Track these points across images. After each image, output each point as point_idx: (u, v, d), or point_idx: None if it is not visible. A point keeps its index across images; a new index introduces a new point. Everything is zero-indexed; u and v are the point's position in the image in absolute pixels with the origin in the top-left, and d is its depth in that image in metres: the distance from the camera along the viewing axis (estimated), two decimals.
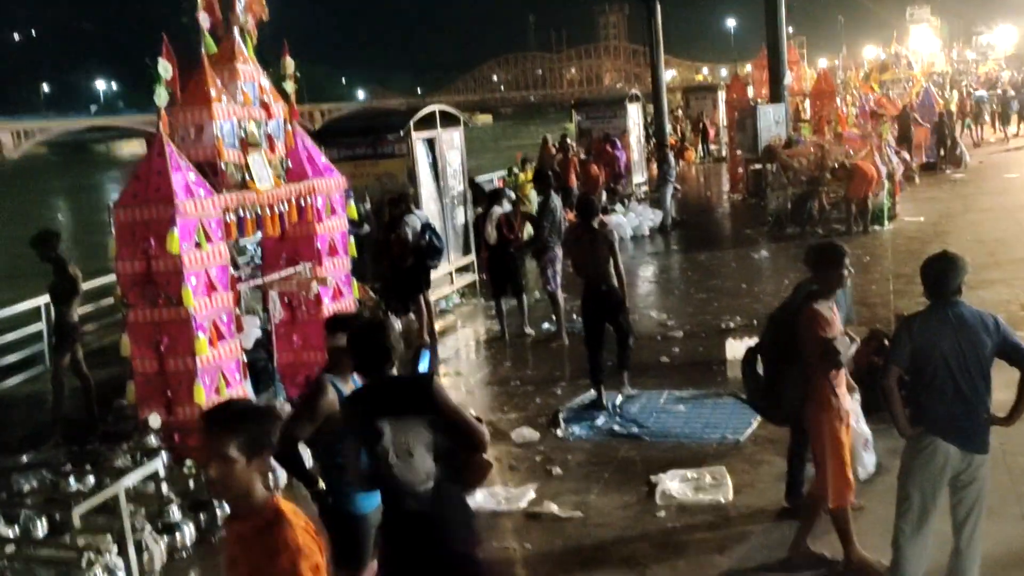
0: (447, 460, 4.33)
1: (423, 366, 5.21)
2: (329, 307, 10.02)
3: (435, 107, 14.49)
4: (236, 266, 9.86)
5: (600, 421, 8.67)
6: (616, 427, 8.53)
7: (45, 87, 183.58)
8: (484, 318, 13.01)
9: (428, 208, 14.04)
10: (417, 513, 4.29)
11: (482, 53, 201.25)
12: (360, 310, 12.21)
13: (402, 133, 13.53)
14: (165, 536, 6.61)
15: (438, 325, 13.01)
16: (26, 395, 11.37)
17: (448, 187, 14.82)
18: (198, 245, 8.35)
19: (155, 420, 8.17)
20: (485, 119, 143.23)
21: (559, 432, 8.51)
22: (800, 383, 5.66)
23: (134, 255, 8.37)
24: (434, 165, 14.51)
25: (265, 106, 9.41)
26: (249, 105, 9.14)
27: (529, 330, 12.21)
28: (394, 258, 12.41)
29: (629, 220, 19.47)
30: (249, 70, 9.28)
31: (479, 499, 7.07)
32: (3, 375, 11.90)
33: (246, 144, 9.08)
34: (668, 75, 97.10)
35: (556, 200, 12.11)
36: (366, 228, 13.36)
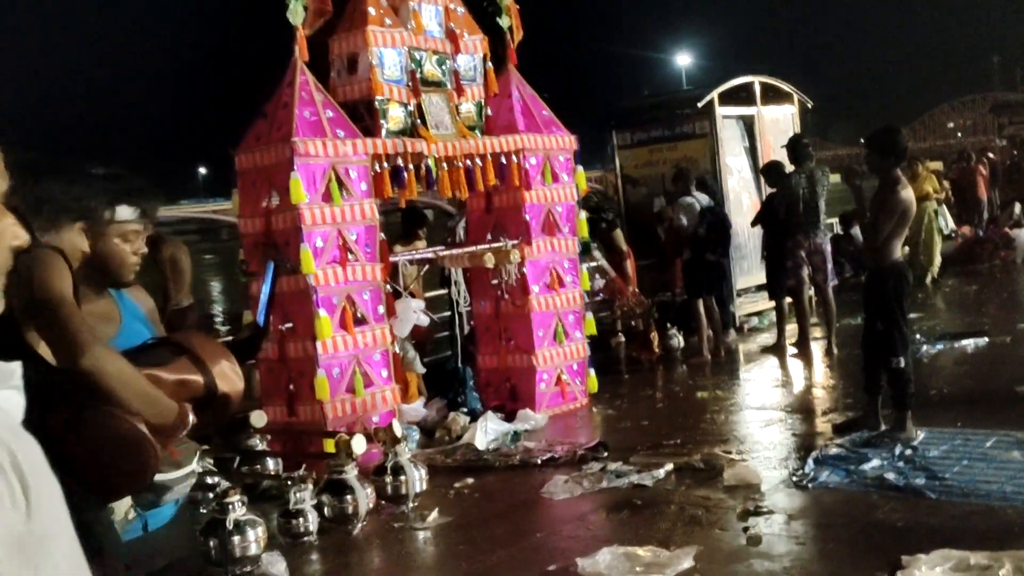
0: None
1: (264, 289, 2.92)
2: (539, 298, 7.77)
3: (753, 78, 11.68)
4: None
5: (871, 465, 5.54)
6: (891, 475, 5.37)
7: None
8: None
9: (739, 201, 11.28)
10: None
11: (934, 98, 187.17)
12: (626, 315, 9.84)
13: (699, 106, 10.92)
14: None
15: (744, 347, 10.16)
16: None
17: None
18: (327, 198, 6.53)
19: (258, 418, 6.36)
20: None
21: (795, 476, 5.53)
22: None
23: (255, 211, 6.76)
24: (751, 150, 11.69)
25: (453, 37, 7.47)
26: (421, 33, 7.23)
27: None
28: (666, 252, 9.88)
29: None
30: None
31: (601, 563, 4.46)
32: None
33: (418, 80, 7.19)
34: None
35: (797, 179, 8.95)
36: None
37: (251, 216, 6.75)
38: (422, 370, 7.96)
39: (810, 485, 5.37)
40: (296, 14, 6.67)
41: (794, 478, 5.49)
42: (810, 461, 5.70)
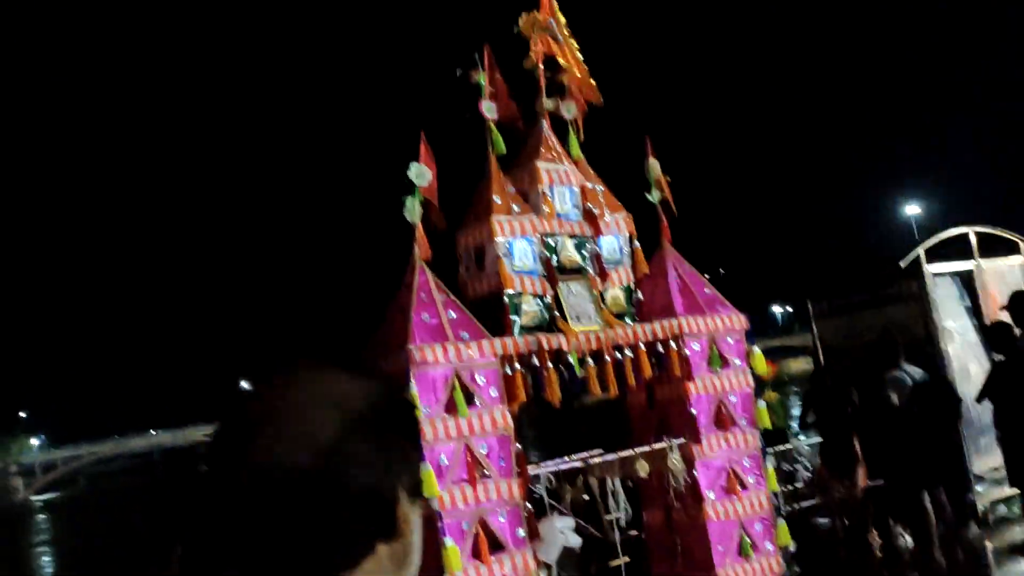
0: None
1: None
2: (715, 505, 6.66)
3: (967, 228, 10.29)
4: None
5: None
6: None
7: None
8: None
9: (965, 370, 9.73)
10: None
11: None
12: (838, 511, 8.48)
13: (902, 266, 9.64)
14: None
15: (991, 545, 8.49)
16: None
17: None
18: (451, 409, 5.82)
19: None
20: None
21: None
22: None
23: None
24: (974, 311, 10.18)
25: (591, 218, 6.78)
26: (554, 217, 6.59)
27: None
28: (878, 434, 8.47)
29: None
30: (561, 170, 6.80)
31: None
32: None
33: (554, 269, 6.50)
34: None
35: None
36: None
37: None
38: None
39: None
40: (413, 212, 6.20)
41: None
42: None
